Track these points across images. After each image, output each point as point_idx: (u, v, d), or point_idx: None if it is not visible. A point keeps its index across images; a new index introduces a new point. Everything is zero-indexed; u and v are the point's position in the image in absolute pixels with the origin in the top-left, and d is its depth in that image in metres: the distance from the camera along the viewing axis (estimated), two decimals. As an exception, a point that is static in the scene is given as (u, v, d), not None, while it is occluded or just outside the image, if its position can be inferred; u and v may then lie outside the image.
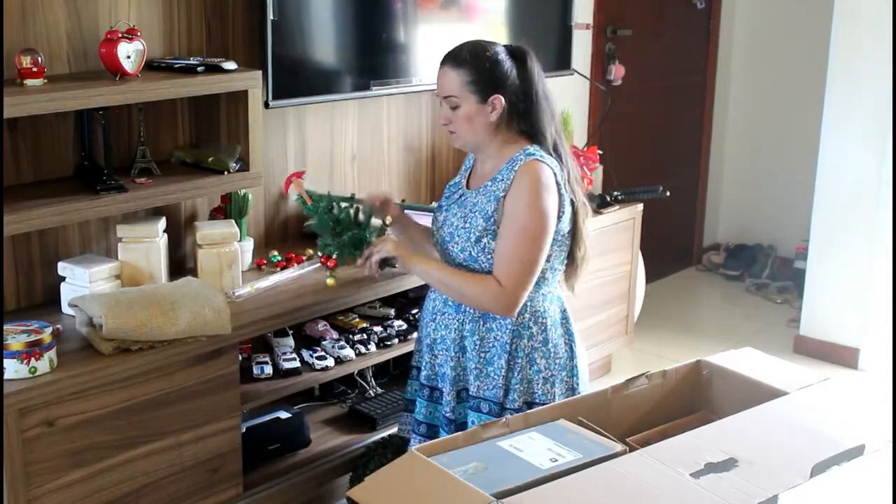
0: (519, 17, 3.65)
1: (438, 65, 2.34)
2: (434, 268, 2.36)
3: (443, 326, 2.40)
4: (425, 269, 2.36)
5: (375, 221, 2.47)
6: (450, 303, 2.39)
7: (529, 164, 2.26)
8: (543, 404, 2.28)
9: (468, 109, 2.30)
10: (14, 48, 2.39)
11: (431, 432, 2.45)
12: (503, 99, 2.29)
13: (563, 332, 2.40)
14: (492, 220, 2.28)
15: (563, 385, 2.38)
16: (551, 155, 2.32)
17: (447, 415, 2.40)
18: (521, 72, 2.32)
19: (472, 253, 2.30)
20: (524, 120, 2.34)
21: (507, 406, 2.35)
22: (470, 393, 2.38)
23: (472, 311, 2.36)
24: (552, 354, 2.36)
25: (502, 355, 2.33)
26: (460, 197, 2.41)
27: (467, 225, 2.32)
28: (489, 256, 2.29)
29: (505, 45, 2.36)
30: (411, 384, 2.56)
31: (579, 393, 2.37)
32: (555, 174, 2.29)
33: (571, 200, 2.34)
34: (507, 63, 2.31)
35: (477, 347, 2.35)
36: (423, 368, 2.47)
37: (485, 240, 2.29)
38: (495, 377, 2.34)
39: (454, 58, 2.32)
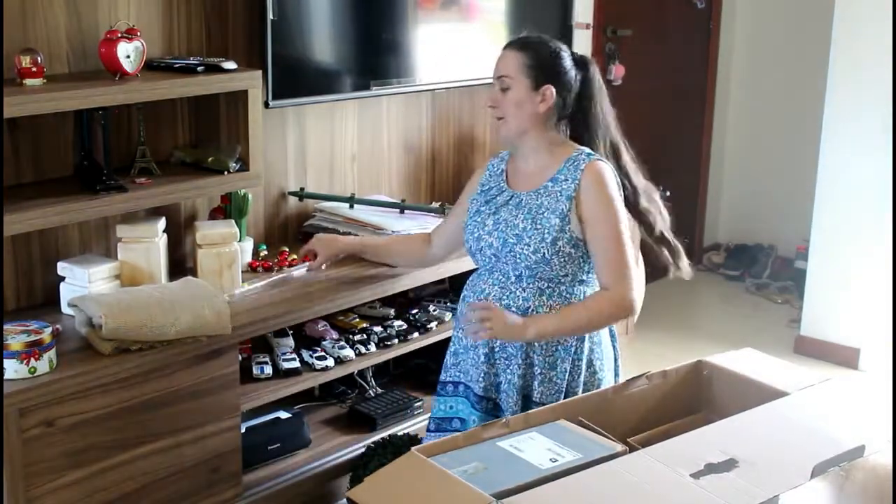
0: (519, 17, 3.64)
1: (501, 49, 2.34)
2: (559, 323, 2.24)
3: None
4: (553, 331, 2.26)
5: None
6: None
7: (595, 165, 2.28)
8: None
9: (518, 94, 2.28)
10: (14, 48, 2.38)
11: None
12: (554, 91, 2.28)
13: (607, 331, 2.43)
14: (566, 218, 2.24)
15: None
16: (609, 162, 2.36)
17: None
18: (581, 76, 2.34)
19: (546, 254, 2.24)
20: (575, 124, 2.36)
21: None
22: (533, 399, 2.31)
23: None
24: (604, 354, 2.40)
25: (566, 359, 2.32)
26: (511, 199, 2.34)
27: (539, 226, 2.25)
28: (562, 259, 2.26)
29: (571, 51, 2.38)
30: (444, 401, 2.44)
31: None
32: (616, 179, 2.33)
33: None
34: (569, 63, 2.33)
35: (543, 353, 2.31)
36: (474, 381, 2.36)
37: (560, 242, 2.25)
38: (559, 382, 2.32)
39: (519, 41, 2.34)
